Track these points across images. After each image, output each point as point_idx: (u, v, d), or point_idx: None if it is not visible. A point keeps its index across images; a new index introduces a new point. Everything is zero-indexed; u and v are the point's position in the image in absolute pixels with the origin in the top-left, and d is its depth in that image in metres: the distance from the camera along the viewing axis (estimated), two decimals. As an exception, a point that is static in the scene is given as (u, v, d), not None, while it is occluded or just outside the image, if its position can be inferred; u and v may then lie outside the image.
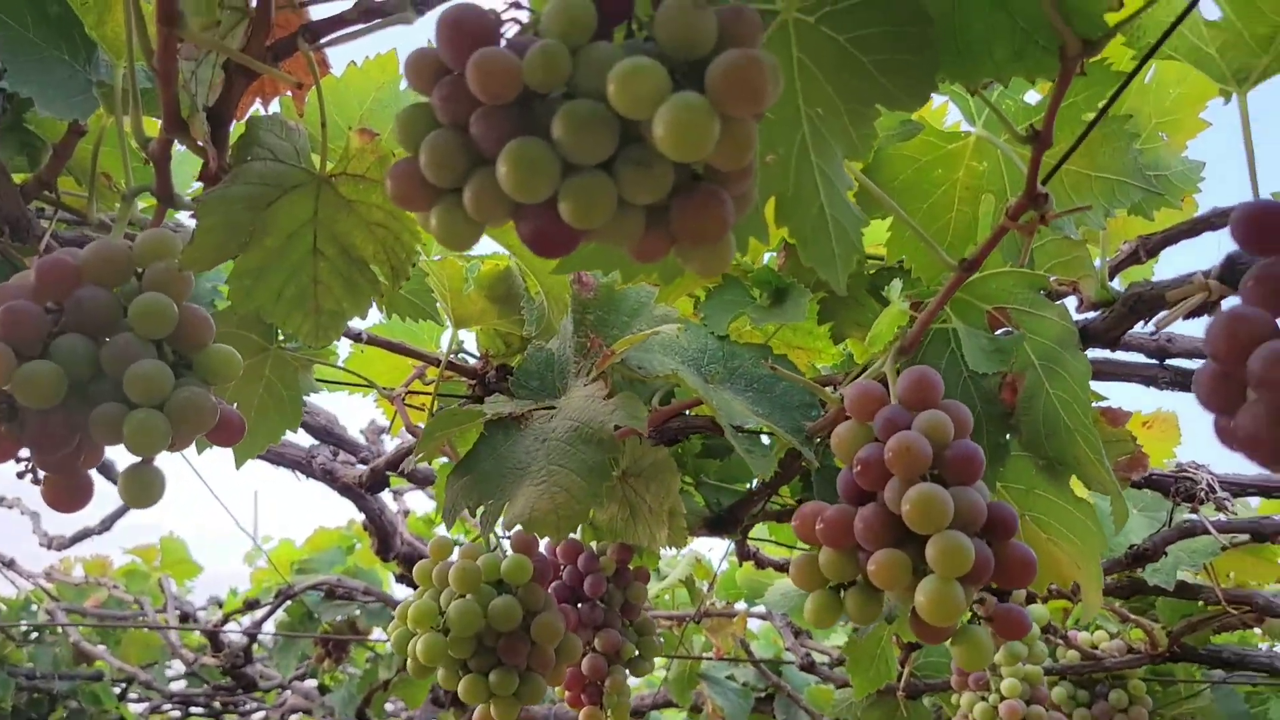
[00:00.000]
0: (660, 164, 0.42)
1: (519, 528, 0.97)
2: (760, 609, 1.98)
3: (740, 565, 1.84)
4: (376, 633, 2.98)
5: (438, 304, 0.99)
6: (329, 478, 1.46)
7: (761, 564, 1.61)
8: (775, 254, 0.97)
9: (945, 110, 0.80)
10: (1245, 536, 1.22)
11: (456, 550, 0.96)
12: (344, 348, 1.21)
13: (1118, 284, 0.81)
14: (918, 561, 0.62)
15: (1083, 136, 0.61)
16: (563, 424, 0.78)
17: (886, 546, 0.63)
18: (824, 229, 0.53)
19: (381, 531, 1.66)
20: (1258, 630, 2.40)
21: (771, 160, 0.50)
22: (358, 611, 2.92)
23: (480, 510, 0.84)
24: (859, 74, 0.50)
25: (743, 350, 0.90)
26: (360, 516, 1.72)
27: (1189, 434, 1.35)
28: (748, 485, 1.26)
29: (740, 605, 2.41)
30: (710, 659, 2.22)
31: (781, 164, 0.51)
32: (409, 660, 0.92)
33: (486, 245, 1.04)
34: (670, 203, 0.44)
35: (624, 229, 0.44)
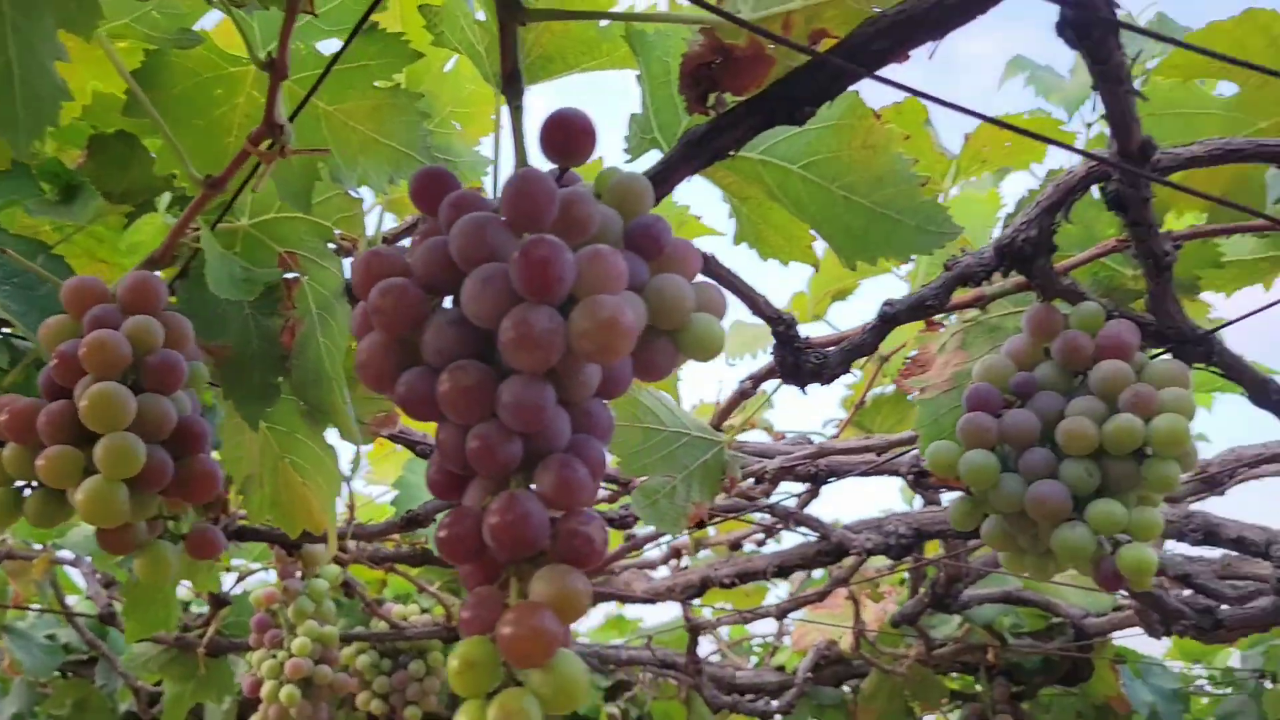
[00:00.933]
0: None
1: None
2: (67, 553, 1.83)
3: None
4: None
5: None
6: None
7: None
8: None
9: (233, 32, 0.80)
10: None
11: None
12: None
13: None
14: (91, 461, 0.61)
15: (322, 77, 0.64)
16: None
17: (64, 443, 0.61)
18: (8, 86, 0.50)
19: None
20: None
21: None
22: None
23: None
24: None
25: (13, 240, 0.83)
26: None
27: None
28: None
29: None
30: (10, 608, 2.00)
31: (-38, 3, 0.48)
32: None
33: None
34: None
35: None
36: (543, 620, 0.46)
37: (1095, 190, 0.72)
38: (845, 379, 1.40)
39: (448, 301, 0.53)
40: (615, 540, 2.15)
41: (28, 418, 0.62)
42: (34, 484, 0.65)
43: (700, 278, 0.56)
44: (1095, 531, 0.69)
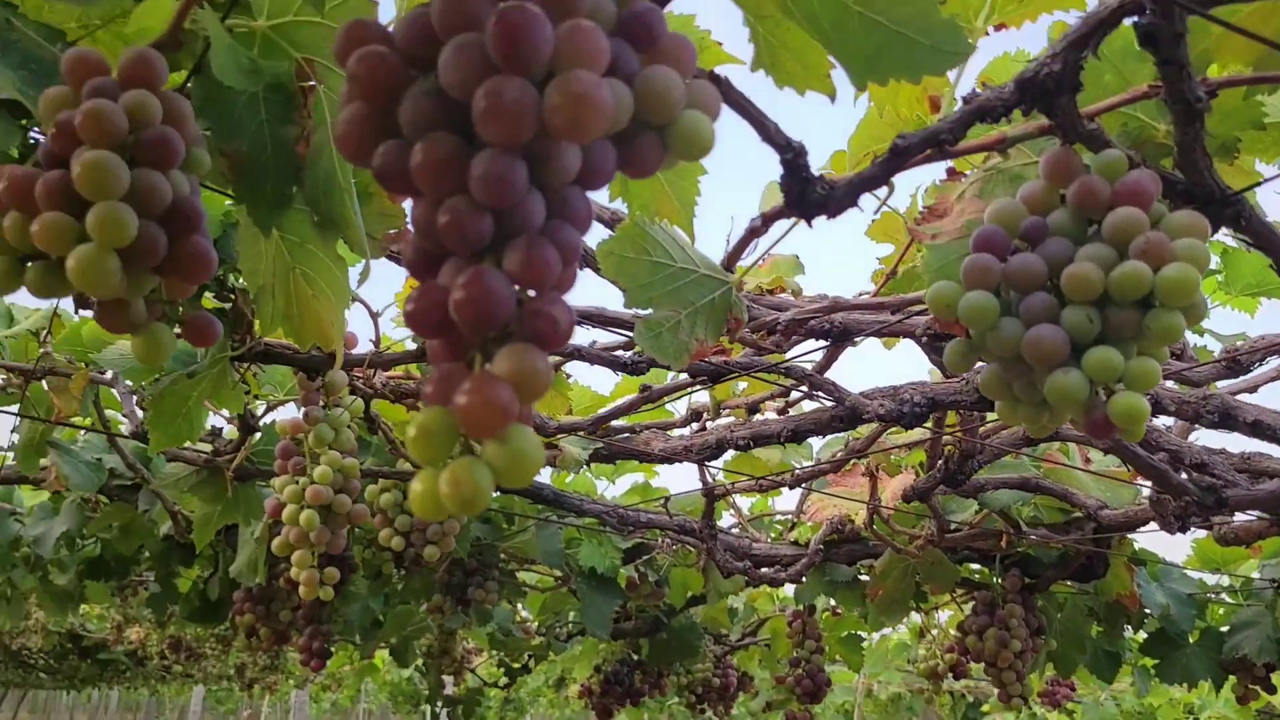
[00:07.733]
0: None
1: None
2: (106, 375, 1.88)
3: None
4: None
5: None
6: None
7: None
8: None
9: None
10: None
11: None
12: None
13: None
14: (85, 230, 0.61)
15: None
16: None
17: (59, 210, 0.62)
18: None
19: None
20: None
21: None
22: None
23: None
24: None
25: (35, 27, 0.83)
26: None
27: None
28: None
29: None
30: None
31: None
32: None
33: None
34: None
35: None
36: (498, 391, 0.46)
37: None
38: (878, 251, 1.37)
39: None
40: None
41: (26, 185, 0.63)
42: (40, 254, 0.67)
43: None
44: (1090, 378, 0.67)
